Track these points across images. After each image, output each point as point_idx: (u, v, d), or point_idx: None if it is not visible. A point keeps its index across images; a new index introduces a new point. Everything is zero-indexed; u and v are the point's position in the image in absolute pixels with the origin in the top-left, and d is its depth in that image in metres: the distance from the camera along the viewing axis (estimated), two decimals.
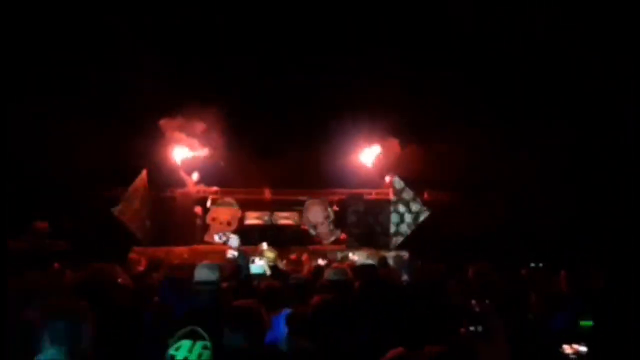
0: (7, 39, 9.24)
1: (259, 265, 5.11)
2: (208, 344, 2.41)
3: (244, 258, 4.81)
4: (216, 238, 7.50)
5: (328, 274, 4.16)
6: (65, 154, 10.02)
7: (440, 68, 10.81)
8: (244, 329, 2.45)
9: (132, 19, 10.91)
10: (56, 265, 5.05)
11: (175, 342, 2.41)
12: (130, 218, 10.05)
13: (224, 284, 4.22)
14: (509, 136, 10.70)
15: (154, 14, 11.17)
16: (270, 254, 6.13)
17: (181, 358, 2.35)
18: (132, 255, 8.83)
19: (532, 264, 5.76)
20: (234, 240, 5.27)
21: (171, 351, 2.40)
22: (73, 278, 4.42)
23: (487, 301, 3.62)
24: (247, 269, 4.78)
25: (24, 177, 9.48)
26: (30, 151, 9.86)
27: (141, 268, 6.08)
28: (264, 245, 6.26)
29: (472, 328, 2.82)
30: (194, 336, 2.42)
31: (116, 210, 9.82)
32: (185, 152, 11.13)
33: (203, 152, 11.23)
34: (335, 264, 5.56)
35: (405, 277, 6.46)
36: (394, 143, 11.26)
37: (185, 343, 2.39)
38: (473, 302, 3.79)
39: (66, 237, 6.66)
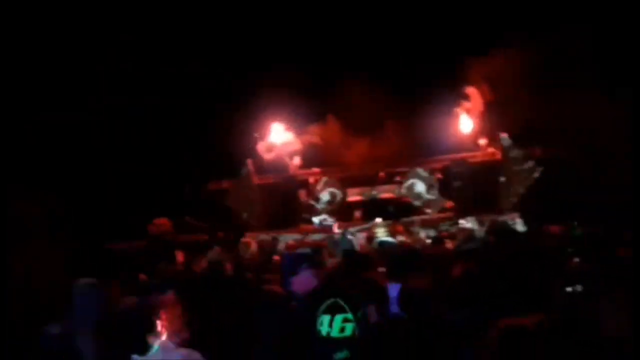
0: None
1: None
2: (349, 316, 2.39)
3: (345, 237, 4.84)
4: (315, 221, 7.66)
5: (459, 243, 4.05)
6: (172, 154, 10.78)
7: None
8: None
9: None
10: (180, 256, 5.43)
11: (319, 316, 2.43)
12: (241, 206, 10.59)
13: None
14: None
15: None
16: (380, 229, 6.12)
17: (324, 334, 2.35)
18: (244, 240, 9.35)
19: None
20: (331, 223, 5.31)
21: (317, 326, 2.42)
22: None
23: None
24: (350, 245, 4.80)
25: (139, 180, 10.34)
26: (141, 155, 10.71)
27: (253, 251, 6.35)
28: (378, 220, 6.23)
29: (569, 289, 2.54)
30: (333, 310, 2.40)
31: (228, 200, 10.42)
32: (284, 136, 11.44)
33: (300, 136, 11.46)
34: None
35: None
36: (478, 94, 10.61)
37: (325, 318, 2.39)
38: (575, 260, 3.52)
39: (189, 231, 7.16)
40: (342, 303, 2.47)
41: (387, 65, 11.59)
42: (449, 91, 10.89)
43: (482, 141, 10.70)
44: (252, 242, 6.71)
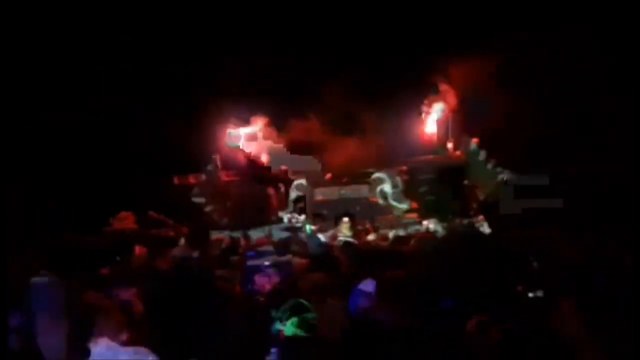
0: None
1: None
2: (313, 315, 2.41)
3: (315, 235, 4.85)
4: (285, 219, 7.65)
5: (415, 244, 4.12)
6: (141, 147, 10.56)
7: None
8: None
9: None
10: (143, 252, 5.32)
11: (281, 316, 2.42)
12: (207, 202, 10.46)
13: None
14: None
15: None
16: (345, 228, 6.17)
17: (289, 333, 2.36)
18: (212, 238, 9.24)
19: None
20: (305, 219, 5.33)
21: (278, 326, 2.42)
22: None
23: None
24: (320, 245, 4.82)
25: (104, 173, 10.11)
26: (107, 147, 10.47)
27: (222, 249, 6.30)
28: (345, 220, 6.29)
29: (531, 294, 2.60)
30: (299, 310, 2.41)
31: (193, 195, 10.27)
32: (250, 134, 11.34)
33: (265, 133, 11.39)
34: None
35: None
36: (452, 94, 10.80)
37: (292, 318, 2.39)
38: (534, 264, 3.59)
39: (153, 226, 7.03)
40: (305, 303, 2.49)
41: (358, 65, 11.64)
42: (419, 92, 11.01)
43: (450, 144, 10.88)
44: (225, 239, 6.64)
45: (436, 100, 10.92)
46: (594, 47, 10.06)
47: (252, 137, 11.42)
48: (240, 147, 11.32)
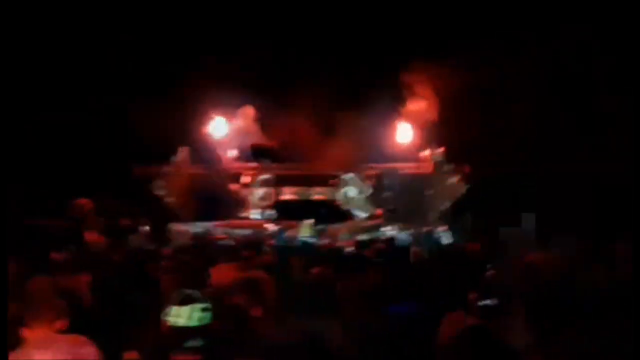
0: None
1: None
2: (208, 305, 2.37)
3: (283, 232, 4.83)
4: (255, 214, 7.59)
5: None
6: (104, 132, 10.29)
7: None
8: None
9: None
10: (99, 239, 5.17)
11: (172, 308, 2.37)
12: (169, 194, 10.26)
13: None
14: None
15: None
16: (307, 229, 6.16)
17: (182, 324, 2.32)
18: (182, 229, 9.08)
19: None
20: (273, 216, 5.29)
21: (169, 318, 2.37)
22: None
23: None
24: (287, 242, 4.80)
25: (63, 157, 9.81)
26: (68, 129, 10.16)
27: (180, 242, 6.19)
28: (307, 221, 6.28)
29: (483, 303, 2.63)
30: (189, 301, 2.37)
31: (154, 186, 10.06)
32: (223, 127, 11.19)
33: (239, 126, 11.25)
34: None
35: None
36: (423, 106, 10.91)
37: (183, 309, 2.35)
38: (489, 273, 3.66)
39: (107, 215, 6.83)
40: (197, 294, 2.44)
41: (333, 68, 11.66)
42: (393, 100, 11.06)
43: (425, 152, 10.94)
44: (188, 231, 6.52)
45: (413, 107, 10.95)
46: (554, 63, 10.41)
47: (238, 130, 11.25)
48: (225, 136, 11.13)
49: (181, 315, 2.31)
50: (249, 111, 11.26)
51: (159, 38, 11.22)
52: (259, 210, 6.02)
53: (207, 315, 2.35)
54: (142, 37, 11.03)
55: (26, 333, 2.30)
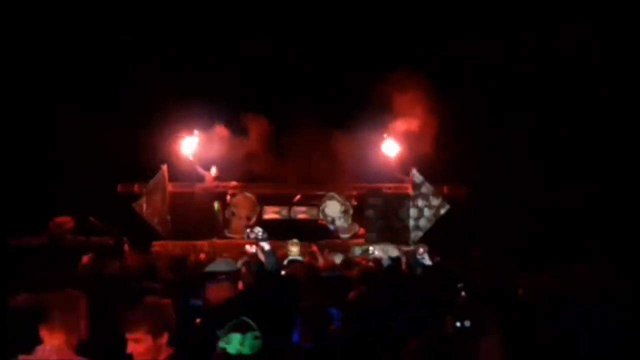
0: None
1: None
2: (258, 333, 2.38)
3: (273, 252, 4.82)
4: (246, 234, 7.54)
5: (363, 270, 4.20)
6: (84, 151, 10.17)
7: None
8: None
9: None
10: (85, 259, 5.09)
11: (226, 334, 2.38)
12: (151, 213, 10.14)
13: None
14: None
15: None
16: (294, 248, 6.16)
17: (234, 352, 2.31)
18: (154, 249, 8.94)
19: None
20: (263, 235, 5.28)
21: (222, 344, 2.37)
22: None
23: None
24: (275, 262, 4.79)
25: (43, 175, 9.65)
26: (49, 149, 10.03)
27: (162, 264, 6.10)
28: (294, 240, 6.29)
29: (458, 324, 2.70)
30: (243, 328, 2.38)
31: (137, 205, 9.93)
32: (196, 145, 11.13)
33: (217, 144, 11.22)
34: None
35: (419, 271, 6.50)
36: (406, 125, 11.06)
37: (236, 336, 2.35)
38: (462, 294, 3.73)
39: (89, 233, 6.72)
40: (249, 321, 2.46)
41: (317, 86, 11.80)
42: (377, 120, 11.20)
43: (406, 172, 11.05)
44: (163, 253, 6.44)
45: (400, 127, 11.08)
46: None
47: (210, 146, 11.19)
48: (193, 156, 11.06)
49: (233, 342, 2.30)
50: (220, 130, 11.26)
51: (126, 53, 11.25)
52: (251, 231, 6.02)
53: (259, 343, 2.35)
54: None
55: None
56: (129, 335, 2.45)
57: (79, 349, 2.51)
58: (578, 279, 4.11)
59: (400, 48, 11.39)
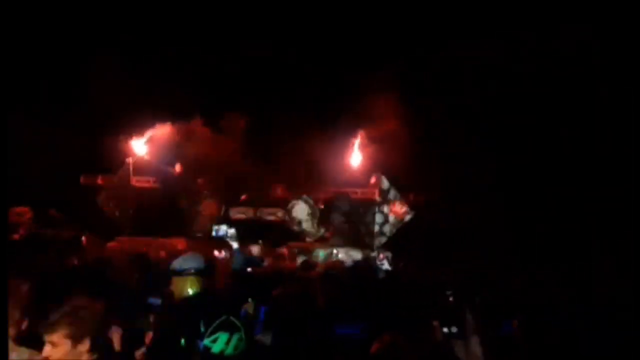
0: None
1: None
2: (243, 335, 2.36)
3: (240, 251, 4.82)
4: (215, 231, 7.49)
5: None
6: (48, 145, 9.90)
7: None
8: None
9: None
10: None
11: (212, 333, 2.35)
12: (113, 207, 9.93)
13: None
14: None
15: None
16: (257, 250, 6.17)
17: (217, 351, 2.28)
18: (112, 245, 8.74)
19: None
20: (232, 233, 5.27)
21: (206, 342, 2.34)
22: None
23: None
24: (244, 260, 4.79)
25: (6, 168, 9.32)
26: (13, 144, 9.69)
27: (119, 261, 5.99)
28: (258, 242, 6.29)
29: (445, 330, 2.77)
30: (230, 328, 2.35)
31: (99, 199, 9.73)
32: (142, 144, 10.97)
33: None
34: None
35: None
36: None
37: (223, 335, 2.32)
38: (450, 300, 3.82)
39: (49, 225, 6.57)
40: (235, 321, 2.46)
41: (289, 89, 11.80)
42: (348, 125, 11.26)
43: (373, 178, 11.14)
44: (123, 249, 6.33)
45: (369, 134, 11.17)
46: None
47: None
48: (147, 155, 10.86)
49: (219, 341, 2.28)
50: (192, 127, 11.12)
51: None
52: (215, 228, 5.95)
53: (242, 344, 2.33)
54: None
55: None
56: (46, 337, 2.29)
57: (18, 339, 2.46)
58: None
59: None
